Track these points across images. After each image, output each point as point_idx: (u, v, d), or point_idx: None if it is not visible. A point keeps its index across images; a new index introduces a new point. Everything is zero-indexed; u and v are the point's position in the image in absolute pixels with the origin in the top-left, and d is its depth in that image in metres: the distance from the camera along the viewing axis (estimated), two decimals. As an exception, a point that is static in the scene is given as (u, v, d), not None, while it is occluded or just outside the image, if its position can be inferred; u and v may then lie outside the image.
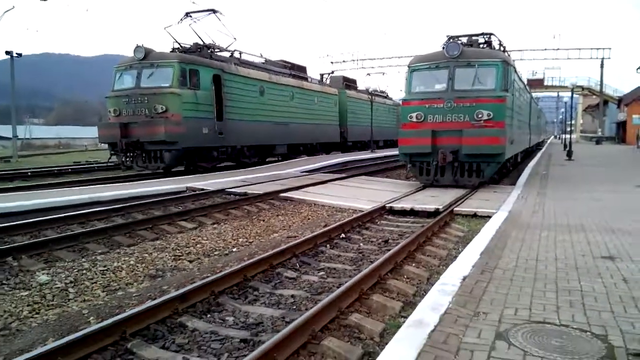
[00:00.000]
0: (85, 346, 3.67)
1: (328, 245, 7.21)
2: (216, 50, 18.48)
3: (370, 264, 5.82)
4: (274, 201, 11.06)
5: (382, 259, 5.74)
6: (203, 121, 16.20)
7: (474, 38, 13.88)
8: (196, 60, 16.31)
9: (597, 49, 44.06)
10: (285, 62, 24.74)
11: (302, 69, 25.80)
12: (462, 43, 12.85)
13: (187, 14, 17.49)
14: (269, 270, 5.89)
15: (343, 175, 16.48)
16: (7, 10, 20.86)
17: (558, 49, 44.07)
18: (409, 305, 4.74)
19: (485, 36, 14.09)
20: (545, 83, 56.08)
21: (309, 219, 9.51)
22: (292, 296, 5.09)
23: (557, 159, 23.89)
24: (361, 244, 7.37)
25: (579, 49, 44.83)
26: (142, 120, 14.98)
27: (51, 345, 3.53)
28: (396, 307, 4.68)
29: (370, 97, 32.90)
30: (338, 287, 5.02)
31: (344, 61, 51.74)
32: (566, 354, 3.03)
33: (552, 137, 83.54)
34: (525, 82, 23.03)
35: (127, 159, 15.69)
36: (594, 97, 58.20)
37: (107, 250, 6.70)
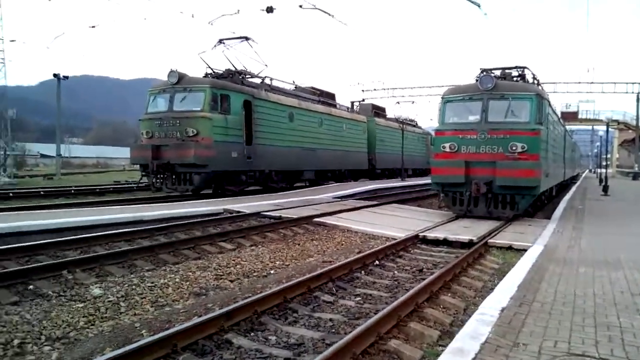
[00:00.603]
0: (141, 357, 3.90)
1: (363, 272, 7.35)
2: (247, 76, 18.87)
3: (406, 292, 5.94)
4: (308, 226, 11.28)
5: (418, 287, 5.85)
6: (232, 145, 16.45)
7: (507, 71, 13.99)
8: (227, 86, 16.68)
9: (633, 83, 43.44)
10: (314, 89, 25.04)
11: (331, 96, 26.13)
12: (495, 76, 13.01)
13: (221, 41, 17.97)
14: (307, 293, 6.07)
15: (375, 202, 16.61)
16: (58, 36, 22.02)
17: (592, 83, 43.68)
18: (446, 334, 4.84)
19: (519, 69, 14.19)
20: (580, 116, 55.32)
21: (342, 244, 9.68)
22: (331, 319, 5.24)
23: (592, 194, 23.49)
24: (395, 272, 7.48)
25: (614, 82, 44.33)
26: (173, 142, 15.33)
27: (112, 354, 3.78)
28: (434, 336, 4.78)
29: (401, 125, 33.11)
30: (375, 313, 5.17)
31: (374, 89, 52.36)
32: (607, 387, 3.11)
33: (587, 170, 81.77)
34: (559, 115, 22.91)
35: (157, 181, 16.00)
36: (630, 131, 57.02)
37: (154, 268, 7.02)
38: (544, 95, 12.91)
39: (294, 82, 23.38)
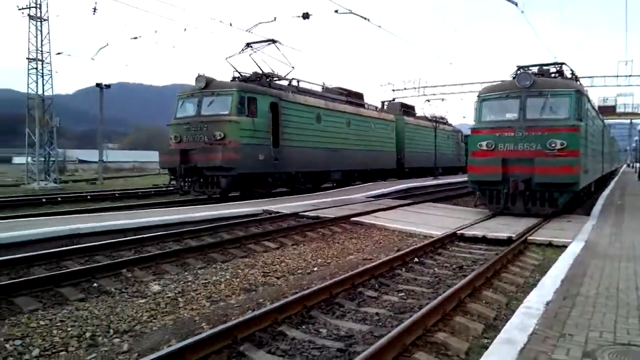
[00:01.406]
0: (206, 347, 4.21)
1: (403, 269, 7.53)
2: (274, 78, 18.92)
3: (448, 288, 6.11)
4: (346, 225, 11.51)
5: (461, 283, 6.01)
6: (260, 148, 16.53)
7: (544, 68, 13.91)
8: (254, 89, 16.80)
9: (675, 74, 41.96)
10: (342, 89, 25.00)
11: (359, 96, 26.05)
12: (533, 73, 12.96)
13: (248, 45, 18.18)
14: (352, 289, 6.30)
15: (409, 201, 16.72)
16: (102, 48, 23.05)
17: (630, 75, 42.33)
18: (491, 327, 4.99)
19: (556, 65, 14.10)
20: (617, 110, 53.76)
21: (380, 242, 9.87)
22: (377, 314, 5.46)
23: (631, 189, 22.96)
24: (435, 269, 7.64)
25: (655, 74, 42.87)
26: (200, 146, 15.48)
27: (181, 344, 4.09)
28: (478, 329, 4.94)
29: (433, 123, 32.94)
30: (419, 308, 5.36)
31: (405, 89, 52.03)
32: (654, 374, 3.24)
33: (625, 165, 79.32)
34: (597, 110, 22.47)
35: (185, 184, 16.13)
36: (672, 124, 55.09)
37: (205, 266, 7.39)
38: (582, 91, 12.79)
39: (323, 84, 23.52)
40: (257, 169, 16.55)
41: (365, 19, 16.61)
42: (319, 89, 22.53)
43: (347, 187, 22.48)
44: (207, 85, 16.08)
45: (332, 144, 21.15)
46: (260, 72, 18.41)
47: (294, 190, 19.29)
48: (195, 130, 15.77)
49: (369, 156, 24.59)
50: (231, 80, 17.38)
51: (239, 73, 18.05)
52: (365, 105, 26.31)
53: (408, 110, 32.63)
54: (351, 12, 16.09)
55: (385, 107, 31.48)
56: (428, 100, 38.92)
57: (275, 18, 17.37)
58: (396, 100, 36.28)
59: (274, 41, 18.03)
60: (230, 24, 17.30)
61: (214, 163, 15.04)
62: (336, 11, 16.34)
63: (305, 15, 16.56)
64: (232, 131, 15.47)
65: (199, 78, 16.19)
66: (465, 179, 16.28)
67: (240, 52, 18.29)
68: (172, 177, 16.38)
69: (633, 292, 5.31)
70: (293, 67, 19.55)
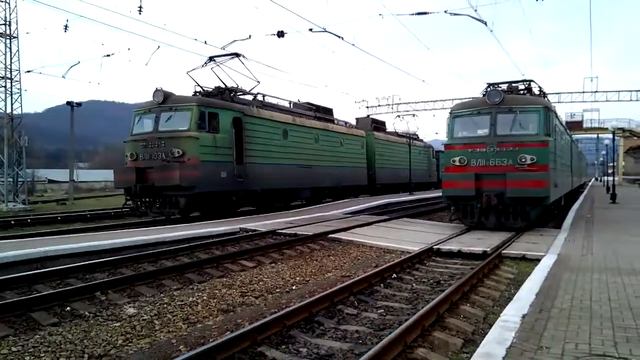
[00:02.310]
0: (184, 370, 4.14)
1: (382, 285, 7.56)
2: (238, 93, 18.28)
3: (427, 303, 6.16)
4: (324, 242, 11.50)
5: (439, 298, 6.06)
6: (222, 165, 15.76)
7: (513, 85, 14.32)
8: (215, 103, 16.11)
9: (637, 90, 43.60)
10: (310, 104, 24.37)
11: (329, 111, 25.54)
12: (502, 90, 13.31)
13: (211, 58, 17.51)
14: (331, 307, 6.28)
15: (386, 217, 16.83)
16: (73, 65, 22.73)
17: (596, 92, 43.88)
18: (470, 342, 5.04)
19: (525, 83, 14.53)
20: (584, 125, 55.51)
21: (358, 259, 9.89)
22: (357, 331, 5.45)
23: (600, 202, 23.60)
24: (414, 284, 7.69)
25: (618, 91, 44.50)
26: (157, 164, 14.64)
27: (158, 367, 4.01)
28: (457, 344, 4.99)
29: (406, 139, 33.22)
30: (399, 324, 5.39)
31: (379, 105, 52.80)
32: (629, 384, 3.32)
33: (593, 179, 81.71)
34: (565, 125, 23.16)
35: (142, 205, 15.34)
36: (635, 138, 57.11)
37: (182, 287, 7.27)
38: (550, 107, 13.19)
39: (296, 100, 23.05)
40: (219, 187, 15.79)
41: (339, 37, 16.84)
42: (286, 104, 21.98)
43: (322, 204, 22.43)
44: (165, 100, 15.34)
45: (300, 161, 20.56)
46: (223, 86, 17.83)
47: (260, 209, 18.67)
48: (152, 147, 14.96)
49: (339, 172, 24.09)
50: (193, 95, 16.76)
51: (201, 87, 17.46)
52: (335, 121, 25.94)
53: (379, 125, 32.54)
54: (325, 31, 16.31)
55: (356, 123, 31.22)
56: (399, 116, 39.09)
57: (250, 36, 17.43)
58: (371, 117, 36.04)
59: (237, 55, 17.50)
60: (205, 42, 17.08)
61: (171, 182, 14.26)
62: (311, 29, 16.53)
63: (280, 34, 16.68)
64: (191, 148, 14.73)
65: (157, 92, 15.42)
66: (439, 194, 16.50)
67: (203, 66, 17.66)
68: (128, 197, 15.48)
69: (606, 303, 5.45)
70: (259, 82, 18.93)
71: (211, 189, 15.44)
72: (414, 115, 40.01)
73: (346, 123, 27.38)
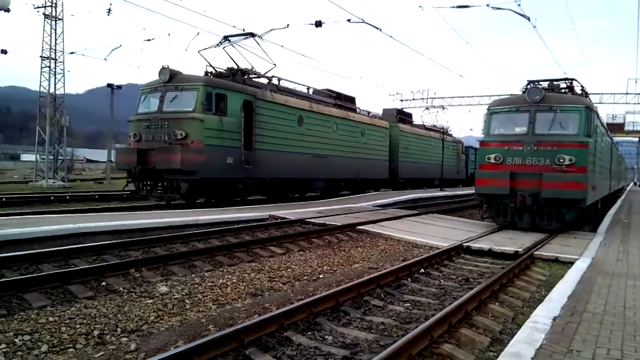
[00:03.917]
0: (212, 349, 4.23)
1: (409, 279, 7.53)
2: (252, 75, 17.41)
3: (454, 300, 6.12)
4: (352, 233, 11.52)
5: (467, 295, 6.01)
6: (228, 150, 14.90)
7: (555, 83, 13.94)
8: (224, 84, 15.23)
9: (685, 93, 41.78)
10: (331, 91, 23.00)
11: (350, 99, 24.25)
12: (543, 88, 12.98)
13: (226, 38, 16.69)
14: (357, 297, 6.30)
15: (415, 212, 16.71)
16: (115, 48, 23.27)
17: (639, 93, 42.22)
18: (497, 341, 4.99)
19: (567, 81, 14.13)
20: (626, 128, 53.60)
21: (386, 252, 9.88)
22: (382, 323, 5.47)
23: (638, 207, 22.83)
24: (441, 281, 7.64)
25: (664, 93, 42.73)
26: (159, 146, 13.95)
27: (188, 345, 4.12)
28: (484, 342, 4.94)
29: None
30: (425, 319, 5.37)
31: (413, 99, 52.16)
32: (662, 393, 3.24)
33: (632, 184, 79.00)
34: (606, 127, 22.45)
35: (143, 188, 14.77)
36: (681, 143, 54.83)
37: (212, 269, 7.43)
38: (592, 107, 12.80)
39: (314, 87, 21.86)
40: (225, 173, 14.92)
41: (377, 28, 16.69)
42: (303, 89, 20.80)
43: (357, 196, 22.29)
44: (171, 79, 14.53)
45: (315, 150, 19.43)
46: (236, 67, 16.87)
47: (272, 198, 17.89)
48: (156, 128, 14.24)
49: (358, 164, 22.76)
50: (204, 75, 15.88)
51: (213, 67, 16.57)
52: (357, 110, 24.56)
53: (405, 117, 30.99)
54: (364, 22, 16.18)
55: (382, 114, 29.76)
56: (427, 108, 37.74)
57: (288, 25, 17.38)
58: (397, 108, 33.52)
59: (253, 35, 16.65)
60: (243, 30, 17.14)
61: (173, 165, 13.54)
62: (349, 20, 16.43)
63: (318, 24, 16.61)
64: (195, 130, 13.94)
65: (163, 70, 14.63)
66: (469, 191, 16.24)
67: (217, 46, 16.75)
68: (129, 179, 14.94)
69: (640, 310, 5.30)
70: (275, 65, 17.97)
71: (215, 175, 14.67)
72: (443, 107, 38.80)
73: (369, 113, 25.97)
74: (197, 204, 15.39)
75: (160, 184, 14.56)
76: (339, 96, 22.99)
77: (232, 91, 15.34)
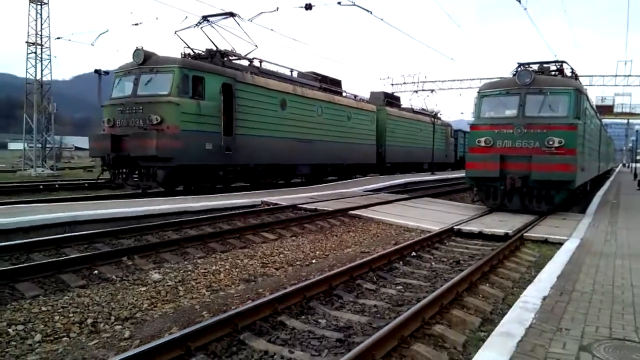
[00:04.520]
0: (207, 335, 4.26)
1: (401, 262, 7.60)
2: (232, 57, 16.76)
3: (445, 282, 6.18)
4: (344, 218, 11.56)
5: (458, 277, 6.08)
6: (207, 135, 14.32)
7: (545, 66, 13.98)
8: (202, 66, 14.61)
9: (673, 75, 42.09)
10: (316, 74, 22.35)
11: (336, 83, 23.60)
12: (533, 70, 13.01)
13: (205, 18, 16.02)
14: (350, 281, 6.36)
15: (407, 196, 16.79)
16: (102, 33, 22.90)
17: (629, 76, 42.43)
18: (488, 321, 5.06)
19: (557, 64, 14.17)
20: (615, 110, 53.97)
21: (378, 236, 9.94)
22: (375, 306, 5.53)
23: (627, 189, 23.11)
24: (433, 263, 7.72)
25: (653, 75, 43.01)
26: (134, 132, 13.36)
27: (182, 332, 4.14)
28: (475, 322, 5.01)
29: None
30: (417, 301, 5.43)
31: (404, 83, 52.04)
32: (648, 369, 3.32)
33: (621, 165, 79.87)
34: (595, 109, 22.58)
35: (119, 176, 14.24)
36: (669, 124, 55.40)
37: (205, 255, 7.45)
38: (582, 89, 12.86)
39: (298, 70, 21.27)
40: (203, 160, 14.38)
41: (368, 11, 16.57)
42: (287, 71, 20.00)
43: (348, 181, 22.28)
44: (146, 61, 13.89)
45: (299, 134, 18.82)
46: (215, 48, 16.23)
47: (255, 185, 17.29)
48: (130, 112, 13.63)
49: (345, 149, 22.29)
50: (183, 57, 15.15)
51: (191, 49, 15.88)
52: (343, 94, 23.97)
53: (392, 101, 30.35)
54: (354, 5, 16.05)
55: (370, 97, 29.12)
56: (416, 92, 37.53)
57: (277, 8, 17.17)
58: (384, 91, 32.12)
59: (232, 14, 16.01)
60: (232, 13, 16.88)
61: (148, 152, 12.93)
62: (339, 2, 16.29)
63: (308, 6, 16.43)
64: (170, 115, 13.31)
65: (137, 52, 13.98)
66: (460, 175, 16.31)
67: (195, 26, 16.08)
68: (104, 167, 14.36)
69: (628, 289, 5.40)
70: (256, 46, 17.38)
71: (194, 162, 14.15)
72: (432, 91, 38.59)
73: (355, 96, 25.39)
74: (177, 192, 14.97)
75: (136, 172, 14.03)
76: (324, 79, 22.40)
77: (210, 73, 14.74)
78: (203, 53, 16.02)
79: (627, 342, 3.78)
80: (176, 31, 15.88)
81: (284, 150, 17.98)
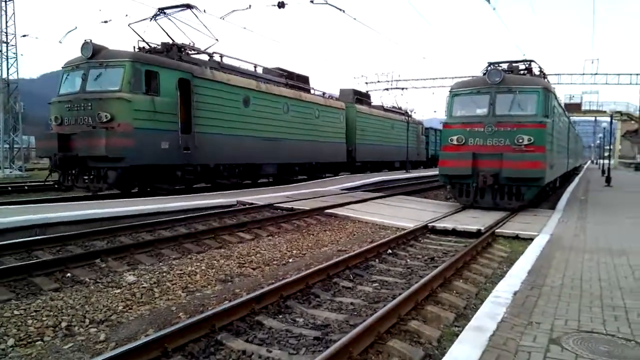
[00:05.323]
0: (184, 336, 4.25)
1: (377, 260, 7.69)
2: (191, 52, 16.11)
3: (420, 278, 6.29)
4: (320, 217, 11.61)
5: (432, 273, 6.19)
6: (162, 134, 13.62)
7: (514, 65, 14.29)
8: (156, 60, 13.89)
9: (637, 74, 43.44)
10: (282, 70, 21.68)
11: (304, 79, 22.93)
12: (503, 69, 13.29)
13: (161, 10, 15.26)
14: (327, 279, 6.42)
15: (382, 194, 16.94)
16: (70, 31, 22.39)
17: (596, 74, 43.67)
18: (461, 316, 5.18)
19: (525, 63, 14.50)
20: (583, 108, 55.46)
21: (354, 234, 10.02)
22: (352, 303, 5.59)
23: (595, 185, 23.79)
24: (408, 260, 7.83)
25: (618, 74, 44.29)
26: (82, 130, 12.61)
27: (159, 333, 4.12)
28: (450, 318, 5.12)
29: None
30: (393, 298, 5.52)
31: (378, 81, 52.38)
32: (614, 358, 3.46)
33: (589, 161, 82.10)
34: (564, 107, 23.18)
35: (67, 178, 13.40)
36: (633, 122, 57.20)
37: (180, 256, 7.39)
38: (550, 88, 13.19)
39: (264, 66, 20.46)
40: (159, 160, 13.64)
41: (341, 10, 16.64)
42: (250, 67, 19.23)
43: (325, 179, 22.28)
44: (95, 55, 13.08)
45: (264, 133, 18.18)
46: (171, 42, 15.49)
47: (216, 186, 16.62)
48: (78, 110, 12.85)
49: (313, 148, 21.75)
50: (138, 51, 14.47)
51: (146, 42, 15.10)
52: (311, 91, 23.22)
53: (362, 98, 29.78)
54: (327, 3, 16.10)
55: (339, 95, 28.37)
56: (387, 89, 37.71)
57: (250, 6, 17.08)
58: (354, 88, 31.00)
59: (190, 6, 15.22)
60: (204, 11, 16.66)
61: (97, 152, 12.24)
62: (312, 1, 16.31)
63: (281, 5, 16.39)
64: (121, 112, 12.59)
65: (85, 45, 13.17)
66: (433, 173, 16.56)
67: (151, 19, 15.31)
68: (52, 168, 13.34)
69: (596, 282, 5.59)
70: (217, 40, 16.54)
71: (148, 162, 13.39)
72: (403, 89, 38.89)
73: (324, 93, 24.76)
74: (134, 193, 14.38)
75: (87, 173, 13.20)
76: (290, 75, 21.77)
77: (165, 68, 14.02)
78: (159, 47, 15.34)
79: (594, 335, 3.93)
80: (129, 24, 15.12)
81: (248, 149, 17.38)
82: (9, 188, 17.45)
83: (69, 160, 12.73)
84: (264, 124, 18.28)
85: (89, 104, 12.73)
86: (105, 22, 17.71)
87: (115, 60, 13.06)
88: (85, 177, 13.18)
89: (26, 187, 17.65)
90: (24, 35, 27.56)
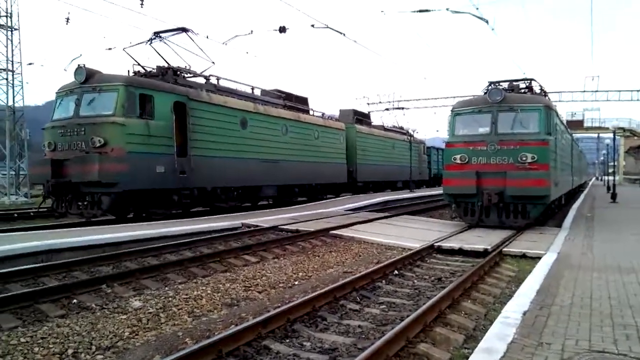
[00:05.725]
0: (191, 361, 4.22)
1: (384, 281, 7.64)
2: (187, 75, 16.10)
3: (428, 299, 6.24)
4: (325, 238, 11.58)
5: (440, 294, 6.14)
6: (158, 158, 13.46)
7: (515, 83, 14.40)
8: (150, 84, 13.80)
9: (638, 90, 43.57)
10: (280, 91, 21.62)
11: (302, 100, 22.89)
12: (503, 88, 13.37)
13: (156, 34, 15.26)
14: (334, 302, 6.36)
15: (387, 214, 16.91)
16: (75, 58, 22.75)
17: (597, 91, 43.84)
18: (471, 338, 5.12)
19: (526, 81, 14.60)
20: (585, 124, 55.56)
21: (360, 255, 9.97)
22: (359, 326, 5.53)
23: (600, 201, 23.68)
24: (415, 281, 7.77)
25: (619, 90, 44.46)
26: (75, 155, 12.47)
27: (166, 359, 4.09)
28: (459, 339, 5.06)
29: (408, 136, 32.60)
30: (401, 320, 5.46)
31: (380, 102, 52.71)
32: (627, 379, 3.41)
33: (594, 178, 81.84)
34: (566, 124, 23.22)
35: (61, 204, 13.15)
36: (636, 138, 57.19)
37: (186, 280, 7.37)
38: (551, 106, 13.25)
39: (262, 88, 20.60)
40: (155, 184, 13.47)
41: (341, 33, 16.84)
42: (247, 89, 19.19)
43: (324, 201, 22.22)
44: (88, 79, 13.01)
45: (263, 154, 18.04)
46: (166, 65, 15.45)
47: (214, 209, 16.49)
48: (72, 135, 12.75)
49: (313, 169, 21.63)
50: (133, 75, 14.41)
51: (141, 66, 15.03)
52: (310, 112, 23.29)
53: (362, 118, 29.89)
54: (327, 27, 16.32)
55: (339, 115, 28.32)
56: (387, 109, 37.92)
57: (252, 31, 17.34)
58: (354, 109, 30.68)
59: (185, 30, 15.24)
60: (207, 37, 16.97)
61: (89, 177, 12.07)
62: (313, 25, 16.53)
63: (282, 29, 16.64)
64: (115, 136, 12.49)
65: (78, 70, 13.10)
66: (438, 192, 16.53)
67: (147, 43, 15.33)
68: (46, 194, 13.16)
69: (606, 301, 5.53)
70: (213, 63, 16.49)
71: (143, 186, 13.21)
72: (402, 108, 39.07)
73: (323, 114, 24.71)
74: (129, 219, 14.22)
75: (81, 199, 12.99)
76: (288, 97, 21.70)
77: (160, 91, 13.90)
78: (154, 70, 15.27)
79: (606, 355, 3.87)
80: (124, 48, 15.08)
81: (246, 171, 17.13)
82: (15, 215, 17.49)
83: (63, 186, 12.61)
84: (262, 145, 18.17)
85: (83, 129, 12.64)
86: (110, 49, 17.97)
87: (109, 85, 13.01)
88: (80, 203, 13.01)
89: (32, 214, 17.68)
90: (29, 64, 28.03)
